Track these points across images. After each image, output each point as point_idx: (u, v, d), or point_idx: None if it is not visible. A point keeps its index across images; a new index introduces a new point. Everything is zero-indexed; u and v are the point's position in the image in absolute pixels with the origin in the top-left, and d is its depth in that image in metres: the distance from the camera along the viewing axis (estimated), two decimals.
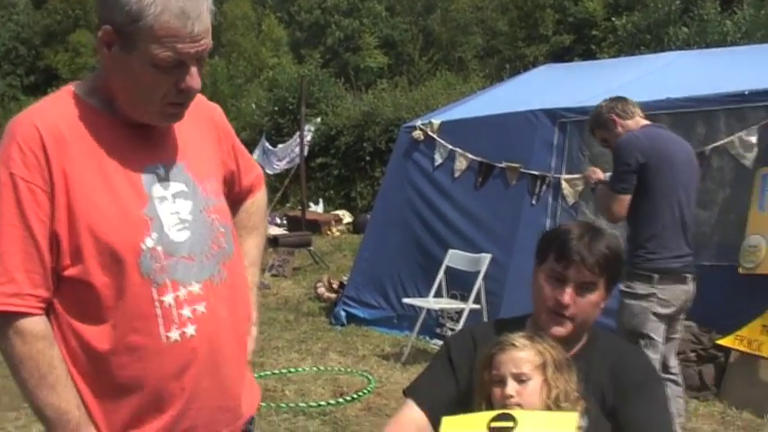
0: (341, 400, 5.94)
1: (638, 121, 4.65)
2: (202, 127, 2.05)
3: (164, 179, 1.88)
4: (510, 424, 1.96)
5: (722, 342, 5.84)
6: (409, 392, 2.41)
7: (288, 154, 17.11)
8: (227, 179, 2.12)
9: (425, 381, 2.44)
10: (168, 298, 1.81)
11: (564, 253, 2.28)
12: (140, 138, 1.88)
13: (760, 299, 5.67)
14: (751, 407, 5.52)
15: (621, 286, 4.39)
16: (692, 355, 6.03)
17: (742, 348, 5.70)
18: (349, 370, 6.81)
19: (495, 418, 2.00)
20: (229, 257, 1.96)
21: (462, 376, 2.35)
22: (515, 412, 2.02)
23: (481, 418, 2.02)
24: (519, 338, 2.18)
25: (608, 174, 4.71)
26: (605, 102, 4.77)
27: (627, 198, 4.44)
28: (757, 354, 5.60)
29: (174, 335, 1.82)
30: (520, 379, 2.11)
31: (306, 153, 16.03)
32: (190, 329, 1.84)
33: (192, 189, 1.92)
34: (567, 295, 2.27)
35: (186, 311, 1.83)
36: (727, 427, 5.30)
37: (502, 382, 2.12)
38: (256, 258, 2.29)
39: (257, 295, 2.26)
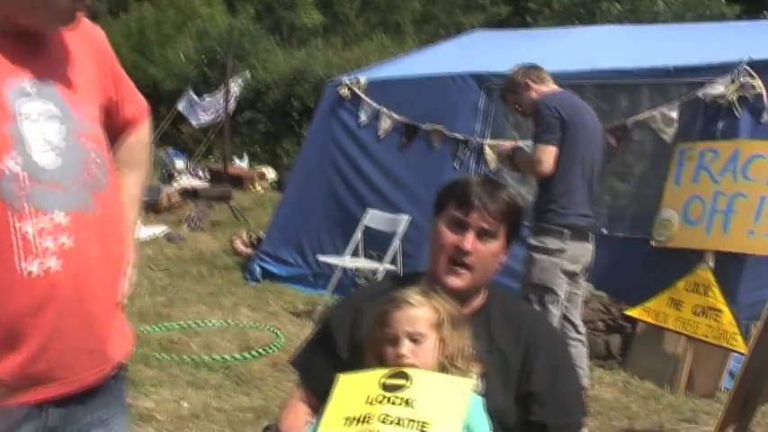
0: (247, 354, 5.81)
1: (552, 86, 4.74)
2: (82, 48, 1.87)
3: (32, 96, 1.70)
4: (403, 381, 1.90)
5: (630, 313, 5.89)
6: (295, 366, 2.40)
7: (214, 106, 16.74)
8: (105, 106, 1.94)
9: (309, 354, 2.38)
10: (28, 226, 1.63)
11: (465, 199, 2.21)
12: (10, 50, 1.70)
13: (669, 272, 5.72)
14: (653, 377, 5.59)
15: (532, 241, 4.47)
16: (601, 324, 6.07)
17: (649, 320, 5.75)
18: (258, 325, 6.69)
19: (388, 376, 1.93)
20: (102, 189, 1.78)
21: (342, 346, 2.26)
22: (410, 370, 1.94)
23: (375, 376, 1.94)
24: (414, 295, 2.09)
25: (522, 142, 4.73)
26: (519, 68, 4.86)
27: (554, 149, 4.46)
28: (663, 326, 5.66)
29: (34, 268, 1.64)
30: (414, 338, 2.03)
31: (232, 107, 15.70)
32: (53, 263, 1.66)
33: (64, 112, 1.73)
34: (468, 241, 2.19)
35: (49, 243, 1.66)
36: (628, 395, 5.35)
37: (395, 341, 2.03)
38: (136, 196, 2.11)
39: (137, 236, 2.10)
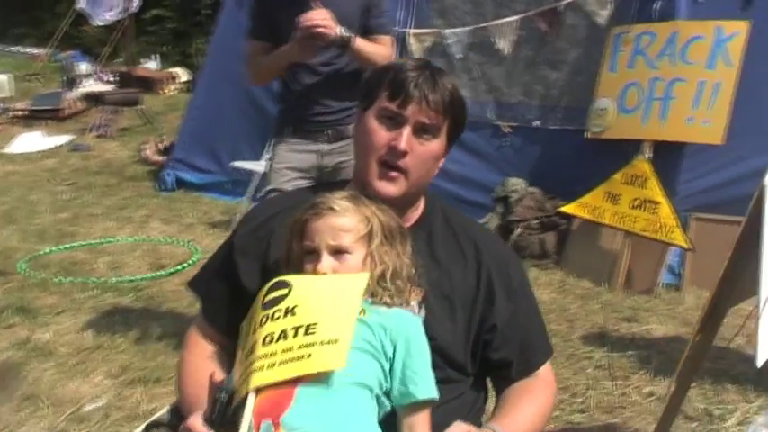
0: (159, 273, 5.37)
1: None
2: None
3: None
4: (283, 291, 1.56)
5: (565, 209, 5.62)
6: (194, 291, 2.03)
7: (117, 3, 15.66)
8: None
9: (209, 280, 1.96)
10: None
11: (400, 87, 1.77)
12: None
13: (605, 165, 5.44)
14: (590, 275, 5.36)
15: None
16: (535, 222, 5.80)
17: (585, 216, 5.49)
18: (172, 240, 6.24)
19: (266, 291, 1.58)
20: None
21: (248, 274, 1.84)
22: (291, 277, 1.59)
23: (258, 299, 1.60)
24: (339, 200, 1.68)
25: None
26: None
27: None
28: (599, 221, 5.41)
29: None
30: (338, 252, 1.64)
31: (137, 3, 14.76)
32: None
33: None
34: (404, 139, 1.76)
35: None
36: (566, 295, 5.10)
37: (315, 255, 1.65)
38: None
39: None
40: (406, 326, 1.64)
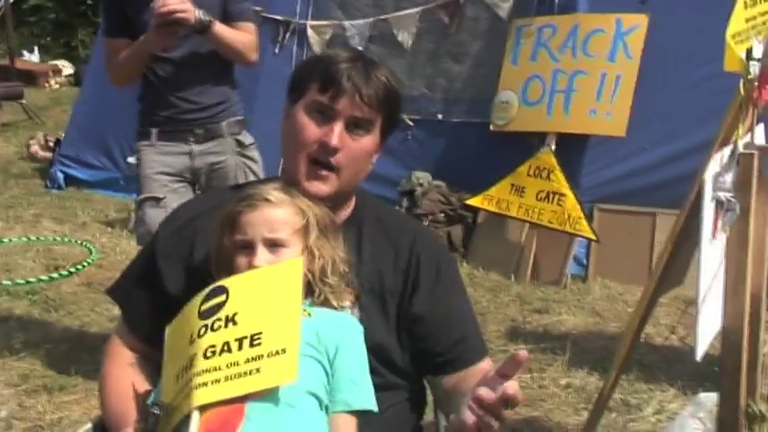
0: (55, 275, 5.11)
1: None
2: None
3: None
4: (221, 298, 1.46)
5: (471, 202, 5.64)
6: (113, 298, 1.91)
7: None
8: None
9: (129, 288, 1.85)
10: None
11: (332, 79, 1.68)
12: None
13: (510, 157, 5.48)
14: (498, 267, 5.39)
15: None
16: (441, 215, 5.82)
17: (491, 208, 5.52)
18: (66, 239, 5.96)
19: (203, 299, 1.48)
20: None
21: (171, 279, 1.74)
22: (227, 281, 1.49)
23: (194, 307, 1.49)
24: (274, 192, 1.61)
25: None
26: None
27: None
28: (505, 214, 5.45)
29: None
30: (273, 245, 1.56)
31: None
32: None
33: None
34: (336, 135, 1.67)
35: None
36: (476, 288, 5.11)
37: (250, 249, 1.56)
38: None
39: None
40: (349, 330, 1.58)
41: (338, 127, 1.68)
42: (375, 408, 1.52)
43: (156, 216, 3.35)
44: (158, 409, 1.46)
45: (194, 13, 3.15)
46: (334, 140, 1.67)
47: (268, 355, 1.38)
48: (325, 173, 1.70)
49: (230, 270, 1.58)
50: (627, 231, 5.17)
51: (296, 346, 1.39)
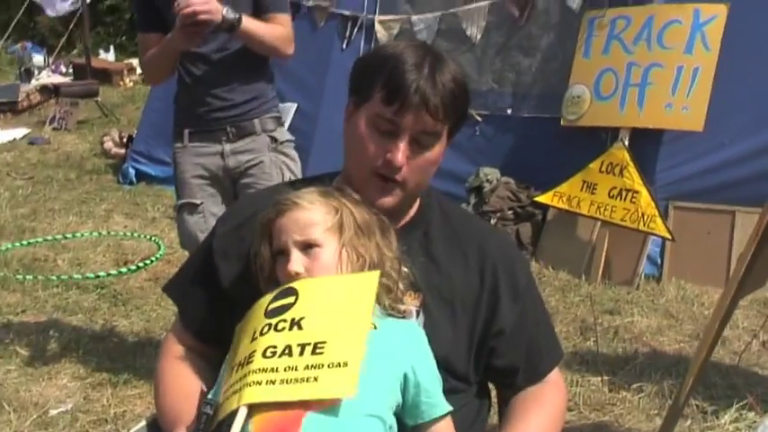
0: (123, 269, 5.17)
1: None
2: None
3: None
4: (290, 300, 1.41)
5: (540, 199, 5.48)
6: (170, 296, 1.89)
7: None
8: None
9: (186, 284, 1.81)
10: None
11: (398, 91, 1.55)
12: None
13: (581, 153, 5.32)
14: (568, 266, 5.25)
15: None
16: (510, 213, 5.70)
17: (561, 206, 5.36)
18: (136, 234, 6.03)
19: (273, 298, 1.43)
20: None
21: (228, 276, 1.69)
22: (297, 283, 1.45)
23: (262, 305, 1.45)
24: (304, 194, 1.55)
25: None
26: None
27: None
28: (576, 211, 5.28)
29: None
30: (306, 247, 1.49)
31: None
32: None
33: None
34: (401, 153, 1.57)
35: None
36: (544, 287, 4.98)
37: (285, 255, 1.50)
38: None
39: None
40: (417, 341, 1.51)
41: (403, 143, 1.58)
42: (450, 407, 1.49)
43: (194, 223, 3.32)
44: (210, 408, 1.41)
45: (219, 12, 2.96)
46: (400, 160, 1.58)
47: (328, 366, 1.32)
48: (390, 185, 1.62)
49: (274, 279, 1.53)
50: (704, 230, 4.98)
51: (358, 361, 1.33)
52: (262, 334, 1.39)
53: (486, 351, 1.68)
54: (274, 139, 3.36)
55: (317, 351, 1.34)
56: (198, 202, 3.31)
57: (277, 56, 3.29)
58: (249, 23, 3.09)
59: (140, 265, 5.26)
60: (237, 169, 3.31)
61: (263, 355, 1.35)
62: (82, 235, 5.98)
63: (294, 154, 3.42)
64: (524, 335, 1.71)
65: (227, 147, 3.30)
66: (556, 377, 1.79)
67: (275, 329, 1.39)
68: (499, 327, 1.67)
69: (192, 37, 3.04)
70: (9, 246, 5.63)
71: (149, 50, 3.26)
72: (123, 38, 17.22)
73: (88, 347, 4.05)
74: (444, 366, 1.57)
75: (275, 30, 3.19)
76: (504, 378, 1.74)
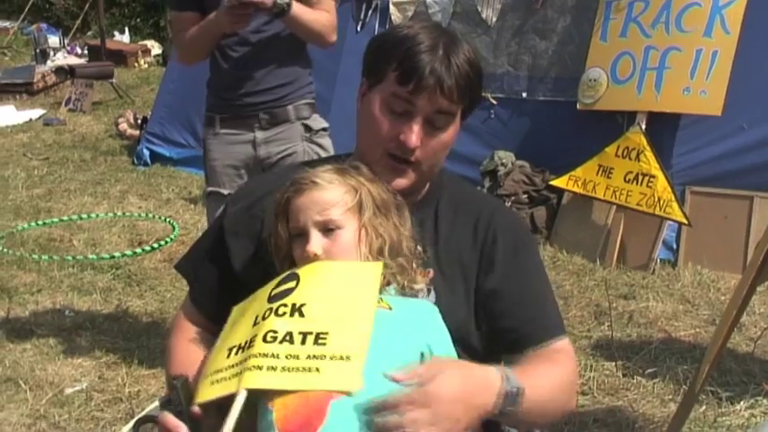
0: (138, 250, 5.18)
1: None
2: None
3: None
4: (291, 284, 1.40)
5: (556, 183, 5.49)
6: (181, 273, 1.87)
7: None
8: None
9: (197, 262, 1.81)
10: None
11: (413, 72, 1.55)
12: None
13: (597, 137, 5.31)
14: (583, 250, 5.22)
15: None
16: (524, 197, 5.67)
17: (576, 190, 5.36)
18: (150, 215, 6.04)
19: (277, 283, 1.43)
20: None
21: (239, 257, 1.69)
22: (299, 269, 1.44)
23: (266, 290, 1.45)
24: (323, 173, 1.53)
25: None
26: None
27: None
28: (591, 195, 5.28)
29: None
30: (326, 228, 1.48)
31: None
32: None
33: None
34: (415, 134, 1.58)
35: None
36: (558, 271, 4.97)
37: (303, 236, 1.49)
38: None
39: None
40: (432, 320, 1.50)
41: (417, 125, 1.58)
42: None
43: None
44: (177, 381, 1.43)
45: None
46: (414, 141, 1.58)
47: (331, 358, 1.31)
48: (403, 167, 1.63)
49: (290, 259, 1.52)
50: (721, 215, 4.94)
51: (362, 356, 1.31)
52: (264, 318, 1.38)
53: (485, 315, 1.65)
54: (308, 128, 3.26)
55: (320, 341, 1.33)
56: (225, 192, 3.21)
57: (320, 43, 3.19)
58: (298, 9, 3.02)
59: (155, 245, 5.26)
60: (268, 160, 3.22)
61: (264, 339, 1.34)
62: (97, 216, 6.00)
63: (328, 143, 3.31)
64: (521, 295, 1.67)
65: (260, 135, 3.21)
66: (568, 347, 1.74)
67: (276, 314, 1.38)
68: (492, 286, 1.65)
69: (239, 19, 2.98)
70: (25, 226, 5.66)
71: (184, 30, 3.17)
72: (138, 20, 17.26)
73: (103, 327, 4.07)
74: (458, 340, 1.55)
75: (322, 16, 3.12)
76: (508, 344, 1.67)
